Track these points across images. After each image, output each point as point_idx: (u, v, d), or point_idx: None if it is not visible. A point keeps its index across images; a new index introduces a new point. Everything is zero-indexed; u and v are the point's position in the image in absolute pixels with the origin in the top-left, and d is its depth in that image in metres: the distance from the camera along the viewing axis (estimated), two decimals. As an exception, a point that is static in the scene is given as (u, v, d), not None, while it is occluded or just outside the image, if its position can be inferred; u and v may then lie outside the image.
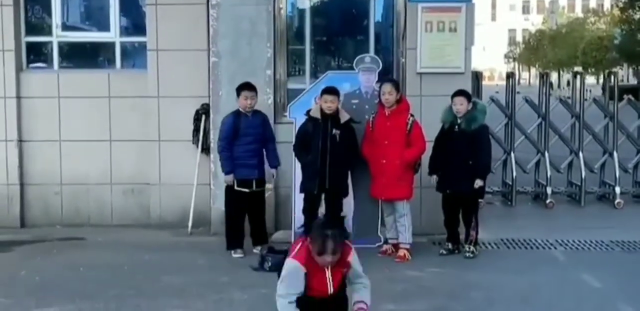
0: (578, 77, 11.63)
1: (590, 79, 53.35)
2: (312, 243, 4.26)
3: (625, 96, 11.46)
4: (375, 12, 9.06)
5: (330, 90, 7.58)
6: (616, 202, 10.55)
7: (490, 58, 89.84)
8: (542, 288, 6.64)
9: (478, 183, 7.55)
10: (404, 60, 8.65)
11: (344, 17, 9.49)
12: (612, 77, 12.06)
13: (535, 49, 79.16)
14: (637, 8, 42.18)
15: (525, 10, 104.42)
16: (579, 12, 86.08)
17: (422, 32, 8.49)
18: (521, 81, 61.80)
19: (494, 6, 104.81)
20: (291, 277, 4.30)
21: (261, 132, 7.77)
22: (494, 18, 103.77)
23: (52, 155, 9.09)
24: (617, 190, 10.62)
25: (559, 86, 56.42)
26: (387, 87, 7.58)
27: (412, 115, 7.68)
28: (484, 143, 7.70)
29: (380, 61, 8.16)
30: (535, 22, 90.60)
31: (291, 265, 4.32)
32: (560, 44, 69.96)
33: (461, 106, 7.55)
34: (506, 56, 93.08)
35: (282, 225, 8.46)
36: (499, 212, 10.33)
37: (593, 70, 60.86)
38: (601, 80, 49.02)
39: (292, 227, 7.95)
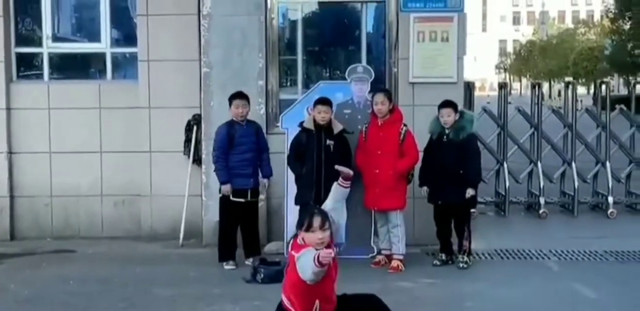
0: (570, 87, 11.65)
1: (580, 89, 53.52)
2: (301, 226, 4.27)
3: (617, 106, 11.47)
4: (367, 22, 9.05)
5: (324, 101, 7.56)
6: (609, 211, 10.52)
7: (481, 68, 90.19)
8: (536, 298, 6.61)
9: (470, 192, 7.51)
10: (396, 70, 8.64)
11: (336, 27, 9.48)
12: (604, 87, 12.08)
13: (526, 60, 79.54)
14: (627, 19, 42.37)
15: (516, 21, 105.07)
16: (569, 23, 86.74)
17: (414, 41, 8.48)
18: (512, 91, 61.96)
19: (484, 17, 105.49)
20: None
21: (255, 141, 7.72)
22: (484, 29, 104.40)
23: (42, 166, 9.01)
24: (610, 199, 10.61)
25: (550, 96, 56.58)
26: (380, 97, 7.56)
27: (405, 125, 7.66)
28: (473, 152, 7.68)
29: (372, 71, 8.14)
30: (525, 32, 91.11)
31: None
32: (551, 54, 70.35)
33: (449, 118, 7.53)
34: (497, 67, 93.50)
35: (274, 236, 8.40)
36: (492, 222, 10.28)
37: (584, 80, 61.12)
38: (592, 91, 49.15)
39: (285, 239, 7.88)
